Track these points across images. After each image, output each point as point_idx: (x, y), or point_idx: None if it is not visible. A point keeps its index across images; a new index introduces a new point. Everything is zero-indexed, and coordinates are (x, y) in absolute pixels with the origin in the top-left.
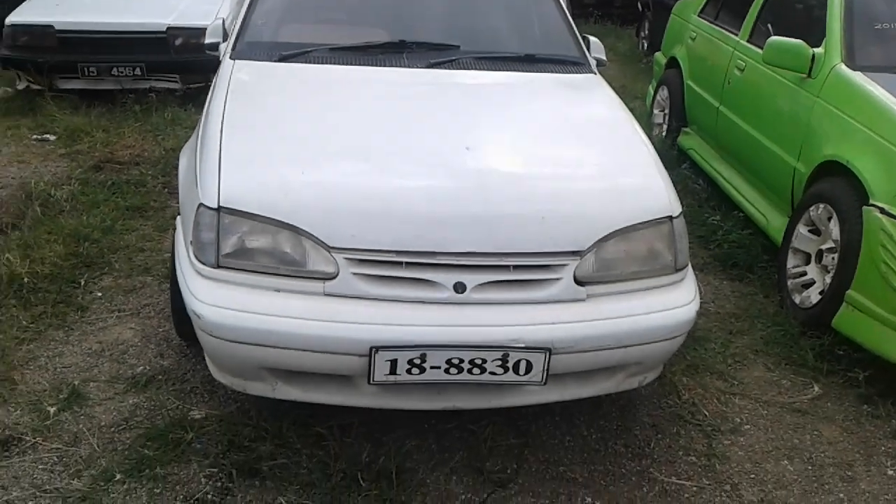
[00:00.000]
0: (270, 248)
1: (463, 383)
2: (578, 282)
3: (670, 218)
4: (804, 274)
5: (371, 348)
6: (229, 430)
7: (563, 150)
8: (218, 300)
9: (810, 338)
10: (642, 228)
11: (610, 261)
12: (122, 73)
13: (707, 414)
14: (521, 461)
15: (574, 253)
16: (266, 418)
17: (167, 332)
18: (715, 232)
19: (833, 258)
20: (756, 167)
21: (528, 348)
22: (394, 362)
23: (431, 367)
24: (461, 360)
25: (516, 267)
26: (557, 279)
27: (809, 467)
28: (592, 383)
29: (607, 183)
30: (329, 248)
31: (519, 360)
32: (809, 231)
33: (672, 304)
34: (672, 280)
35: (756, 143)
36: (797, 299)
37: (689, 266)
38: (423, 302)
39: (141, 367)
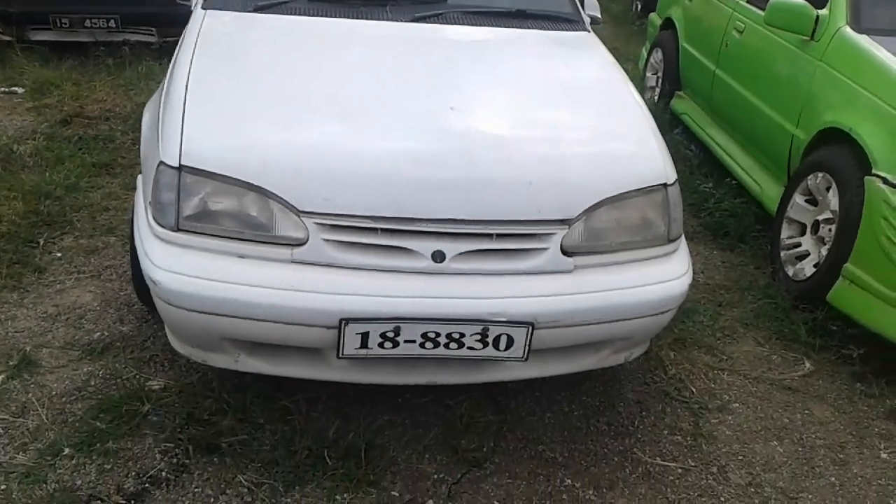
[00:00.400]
0: (235, 211)
1: (439, 358)
2: (565, 252)
3: (664, 185)
4: (798, 245)
5: (341, 320)
6: (189, 403)
7: (553, 112)
8: (177, 266)
9: (803, 312)
10: (635, 196)
11: (600, 230)
12: (95, 24)
13: (694, 391)
14: (499, 439)
15: (562, 221)
16: (229, 390)
17: (128, 297)
18: (706, 200)
19: (830, 229)
20: (752, 133)
21: (509, 322)
22: (365, 335)
23: (405, 342)
24: (437, 334)
25: (500, 235)
26: (543, 249)
27: (800, 449)
28: (576, 359)
29: (599, 147)
30: (298, 213)
31: (499, 335)
32: (806, 201)
33: (664, 276)
34: (664, 251)
35: (753, 108)
36: (790, 271)
37: (683, 237)
38: (398, 271)
39: (98, 333)
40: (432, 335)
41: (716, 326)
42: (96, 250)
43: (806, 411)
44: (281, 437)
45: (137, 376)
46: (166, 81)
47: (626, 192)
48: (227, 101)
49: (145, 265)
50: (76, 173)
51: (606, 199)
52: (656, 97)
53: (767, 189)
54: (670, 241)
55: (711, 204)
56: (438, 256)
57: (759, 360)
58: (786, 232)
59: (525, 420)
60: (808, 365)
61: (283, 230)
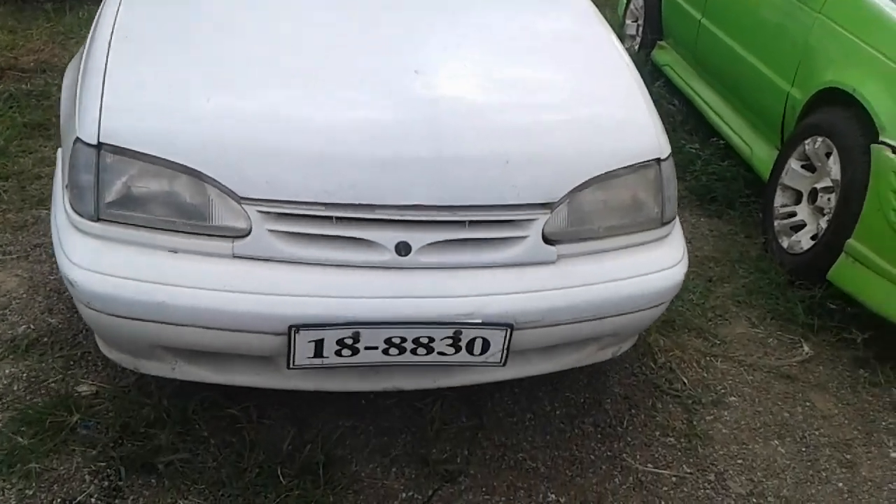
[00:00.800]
0: (164, 197)
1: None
2: (547, 240)
3: (658, 161)
4: (794, 215)
5: (290, 327)
6: (123, 412)
7: (531, 76)
8: (97, 263)
9: (799, 288)
10: (625, 174)
11: (586, 214)
12: None
13: (686, 382)
14: (474, 446)
15: (543, 205)
16: (169, 396)
17: (60, 281)
18: (692, 162)
19: (829, 199)
20: (741, 90)
21: (484, 325)
22: (319, 343)
23: (367, 348)
24: (403, 339)
25: (473, 223)
26: (522, 237)
27: (803, 448)
28: (559, 357)
29: (584, 117)
30: (239, 199)
31: (474, 339)
32: (803, 167)
33: (657, 265)
34: (657, 235)
35: (742, 62)
36: (785, 243)
37: (677, 218)
38: (357, 266)
39: (24, 327)
40: (397, 340)
41: (706, 306)
42: (25, 226)
43: (807, 403)
44: (228, 452)
45: (66, 379)
46: (88, 40)
47: (616, 170)
48: (156, 64)
49: (61, 262)
50: (5, 136)
51: (593, 178)
52: (636, 47)
53: (758, 151)
54: (664, 224)
55: (698, 167)
56: (403, 249)
57: (754, 343)
58: (779, 200)
59: (503, 422)
60: (806, 349)
61: (222, 219)
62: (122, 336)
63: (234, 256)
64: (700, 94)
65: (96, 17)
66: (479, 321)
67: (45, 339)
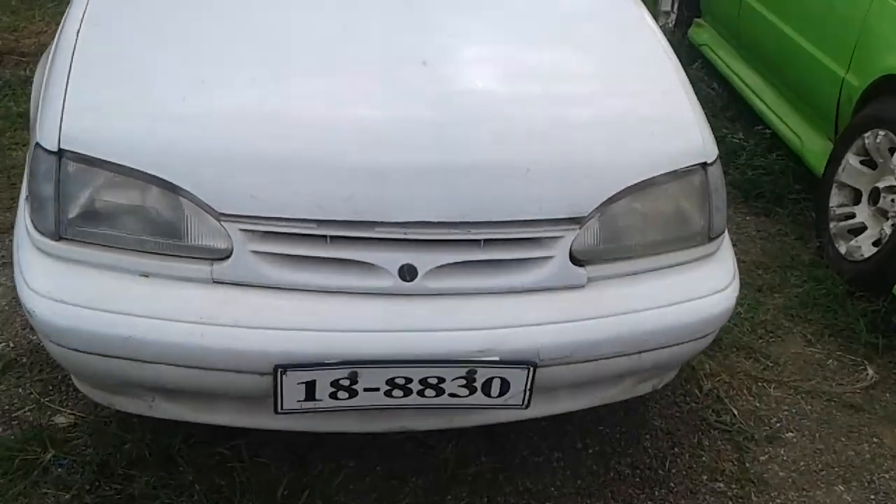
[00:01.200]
0: (134, 213)
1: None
2: (576, 261)
3: (704, 165)
4: (852, 216)
5: (276, 368)
6: (102, 448)
7: (555, 66)
8: (58, 290)
9: (860, 300)
10: (665, 182)
11: (620, 229)
12: None
13: (736, 413)
14: (494, 493)
15: (571, 220)
16: (153, 430)
17: None
18: (736, 153)
19: (894, 200)
20: (789, 75)
21: (503, 363)
22: (311, 385)
23: (366, 390)
24: (409, 380)
25: (489, 242)
26: (547, 258)
27: (871, 496)
28: (591, 393)
29: (617, 116)
30: (218, 215)
31: (490, 379)
32: (862, 163)
33: (704, 288)
34: (704, 252)
35: (790, 43)
36: (842, 248)
37: (726, 232)
38: (354, 294)
39: (2, 345)
40: (401, 381)
41: (756, 320)
42: (12, 229)
43: (874, 440)
44: (217, 498)
45: (42, 407)
46: (57, 35)
47: (655, 177)
48: (128, 58)
49: (20, 288)
50: None
51: (630, 187)
52: (671, 24)
53: (809, 143)
54: (711, 239)
55: (742, 159)
56: (408, 273)
57: (811, 365)
58: (835, 199)
59: (527, 463)
60: (870, 372)
61: (199, 239)
62: (90, 372)
63: (214, 281)
64: (743, 78)
65: (69, 4)
66: (497, 359)
67: (24, 360)
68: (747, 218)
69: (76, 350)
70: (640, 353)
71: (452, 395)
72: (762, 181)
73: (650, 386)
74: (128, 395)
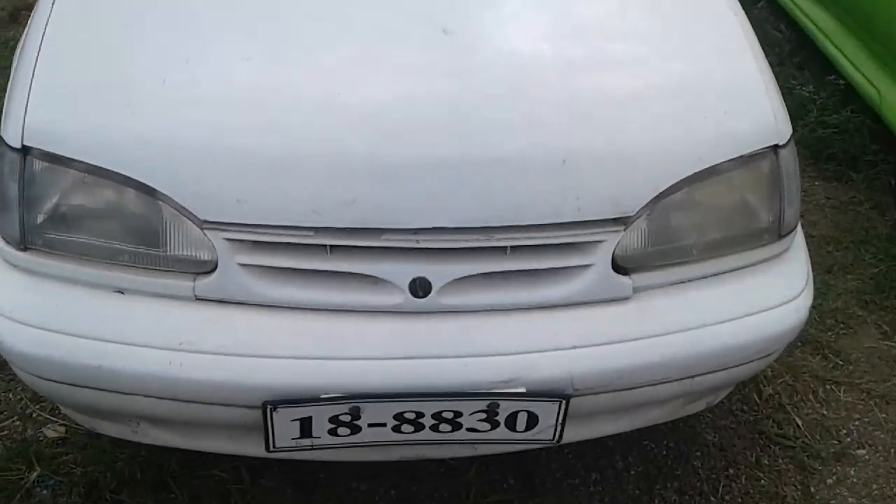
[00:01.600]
0: (107, 220)
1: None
2: (619, 268)
3: (775, 149)
4: None
5: (265, 405)
6: (92, 466)
7: (598, 35)
8: (23, 310)
9: None
10: (730, 170)
11: (674, 229)
12: None
13: (800, 424)
14: None
15: (615, 221)
16: (148, 448)
17: None
18: (804, 107)
19: None
20: (868, 15)
21: (530, 395)
22: (306, 421)
23: (371, 426)
24: (420, 415)
25: (516, 249)
26: (585, 267)
27: None
28: (633, 416)
29: (671, 90)
30: (201, 223)
31: (515, 413)
32: None
33: (773, 297)
34: (773, 253)
35: None
36: None
37: (799, 227)
38: (357, 313)
39: None
40: (411, 416)
41: (824, 308)
42: None
43: None
44: None
45: (32, 417)
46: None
47: (717, 166)
48: (100, 44)
49: None
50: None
51: (685, 179)
52: None
53: (890, 97)
54: (781, 236)
55: (812, 115)
56: (421, 287)
57: (888, 363)
58: None
59: (561, 487)
60: None
61: (180, 249)
62: (61, 400)
63: (196, 299)
64: (813, 19)
65: None
66: (523, 390)
67: None
68: (816, 183)
69: (43, 378)
70: (693, 377)
71: (471, 429)
72: (834, 140)
73: (703, 404)
74: (111, 419)
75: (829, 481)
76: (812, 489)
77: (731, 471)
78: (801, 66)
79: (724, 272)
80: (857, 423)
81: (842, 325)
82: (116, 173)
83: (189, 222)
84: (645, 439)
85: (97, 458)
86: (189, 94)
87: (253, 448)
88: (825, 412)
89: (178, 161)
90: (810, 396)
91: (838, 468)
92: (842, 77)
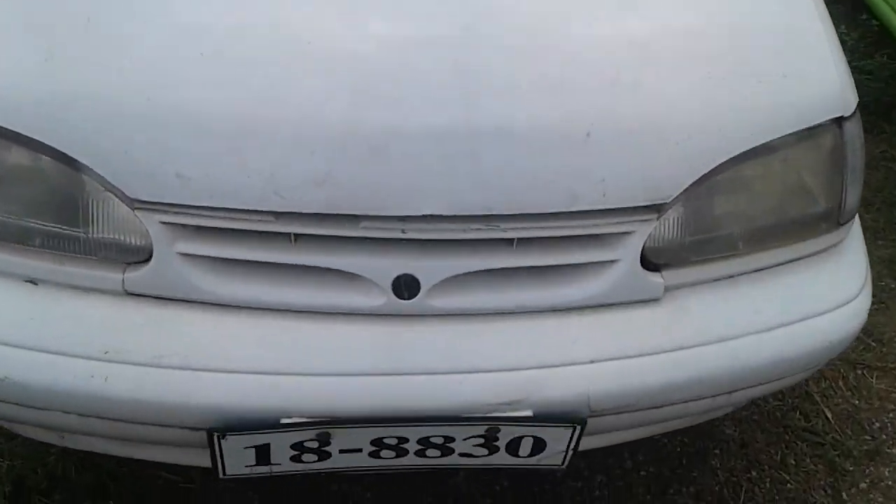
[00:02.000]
0: (18, 192)
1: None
2: (648, 264)
3: (839, 120)
4: None
5: (210, 433)
6: (21, 462)
7: None
8: None
9: None
10: (786, 146)
11: (716, 217)
12: None
13: (830, 416)
14: None
15: (648, 209)
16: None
17: None
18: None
19: None
20: None
21: (537, 420)
22: (263, 448)
23: (343, 451)
24: (403, 440)
25: (524, 242)
26: (608, 263)
27: None
28: (653, 427)
29: (719, 52)
30: (132, 202)
31: (519, 438)
32: None
33: (827, 299)
34: (828, 244)
35: None
36: None
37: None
38: (328, 317)
39: None
40: (392, 441)
41: (879, 285)
42: None
43: None
44: None
45: None
46: None
47: (772, 141)
48: None
49: None
50: None
51: (732, 159)
52: None
53: None
54: (840, 224)
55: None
56: (406, 287)
57: None
58: None
59: (561, 491)
60: None
61: (105, 231)
62: None
63: (127, 293)
64: None
65: None
66: (529, 414)
67: None
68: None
69: None
70: (731, 392)
71: (465, 454)
72: (865, 87)
73: (730, 408)
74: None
75: (862, 485)
76: (843, 494)
77: (753, 473)
78: (830, 3)
79: (771, 266)
80: (891, 415)
81: (873, 300)
82: (29, 138)
83: (118, 201)
84: (658, 437)
85: (25, 453)
86: (118, 40)
87: (206, 460)
88: (856, 402)
89: (101, 124)
90: (840, 383)
91: (871, 469)
92: (875, 17)
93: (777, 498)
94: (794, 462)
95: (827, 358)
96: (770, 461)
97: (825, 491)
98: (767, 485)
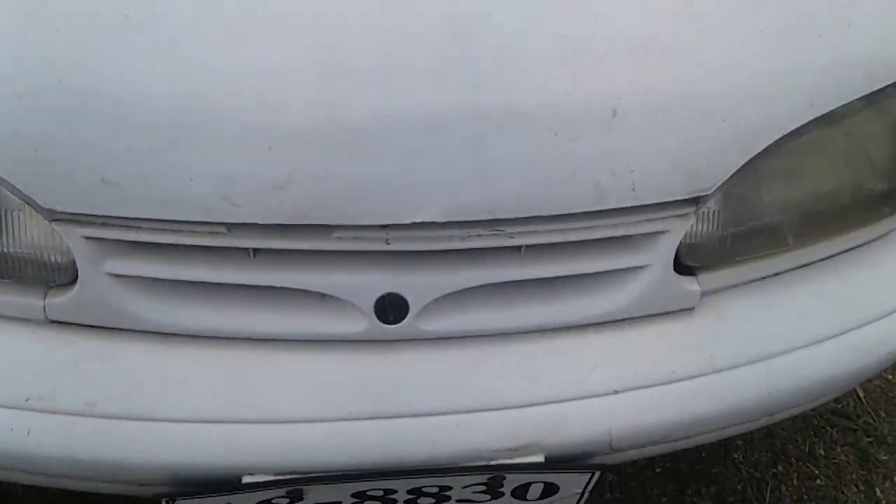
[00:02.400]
0: None
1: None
2: (682, 267)
3: None
4: None
5: (160, 499)
6: None
7: None
8: None
9: None
10: (849, 115)
11: (763, 206)
12: None
13: (861, 396)
14: None
15: (685, 203)
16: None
17: None
18: None
19: None
20: None
21: (549, 466)
22: None
23: None
24: (391, 492)
25: (534, 250)
26: (636, 270)
27: None
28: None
29: (765, 4)
30: (50, 212)
31: (527, 484)
32: None
33: (883, 302)
34: (882, 231)
35: None
36: None
37: None
38: (297, 346)
39: None
40: (378, 493)
41: None
42: None
43: None
44: None
45: None
46: None
47: (834, 111)
48: None
49: None
50: None
51: (789, 133)
52: None
53: None
54: None
55: None
56: (392, 308)
57: None
58: None
59: None
60: None
61: (19, 245)
62: None
63: (49, 321)
64: None
65: None
66: (541, 459)
67: None
68: None
69: None
70: (773, 414)
71: (464, 500)
72: None
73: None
74: None
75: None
76: (877, 490)
77: (779, 467)
78: None
79: (817, 261)
80: None
81: None
82: None
83: (33, 212)
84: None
85: None
86: (21, 5)
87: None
88: (890, 376)
89: (3, 117)
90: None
91: None
92: None
93: (805, 498)
94: (823, 453)
95: (881, 369)
96: (797, 452)
97: (857, 486)
98: (795, 481)
